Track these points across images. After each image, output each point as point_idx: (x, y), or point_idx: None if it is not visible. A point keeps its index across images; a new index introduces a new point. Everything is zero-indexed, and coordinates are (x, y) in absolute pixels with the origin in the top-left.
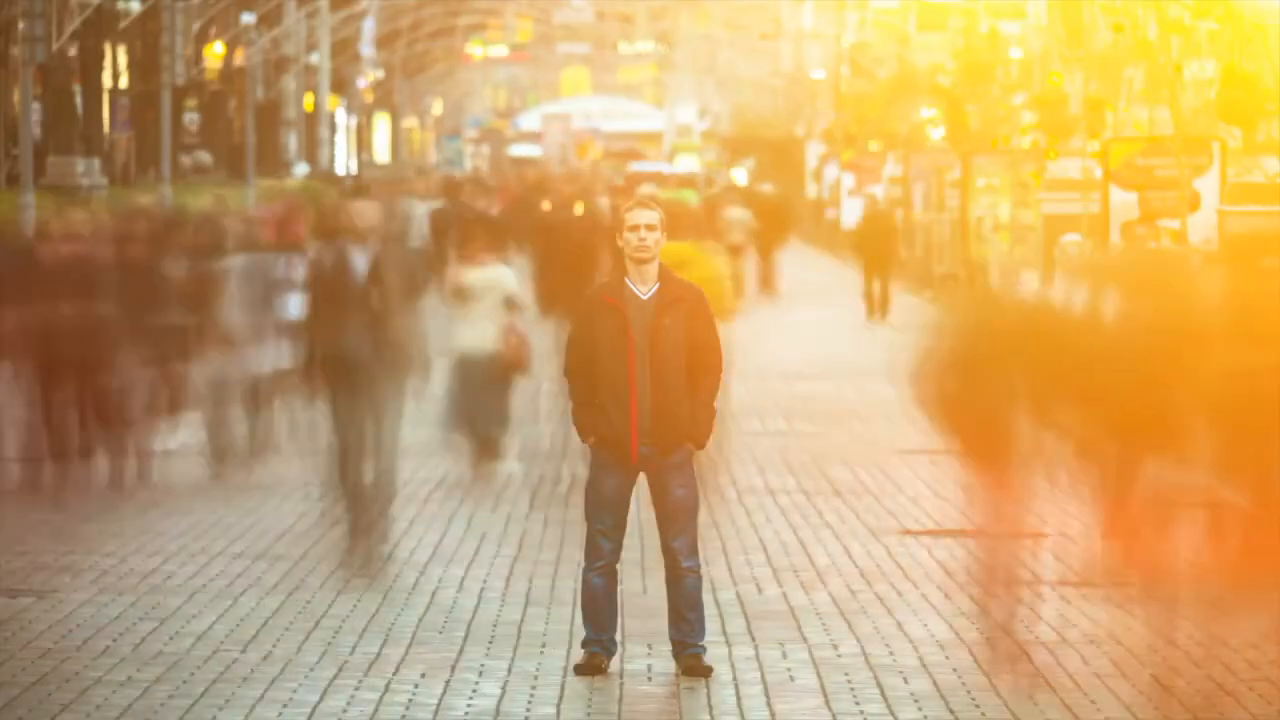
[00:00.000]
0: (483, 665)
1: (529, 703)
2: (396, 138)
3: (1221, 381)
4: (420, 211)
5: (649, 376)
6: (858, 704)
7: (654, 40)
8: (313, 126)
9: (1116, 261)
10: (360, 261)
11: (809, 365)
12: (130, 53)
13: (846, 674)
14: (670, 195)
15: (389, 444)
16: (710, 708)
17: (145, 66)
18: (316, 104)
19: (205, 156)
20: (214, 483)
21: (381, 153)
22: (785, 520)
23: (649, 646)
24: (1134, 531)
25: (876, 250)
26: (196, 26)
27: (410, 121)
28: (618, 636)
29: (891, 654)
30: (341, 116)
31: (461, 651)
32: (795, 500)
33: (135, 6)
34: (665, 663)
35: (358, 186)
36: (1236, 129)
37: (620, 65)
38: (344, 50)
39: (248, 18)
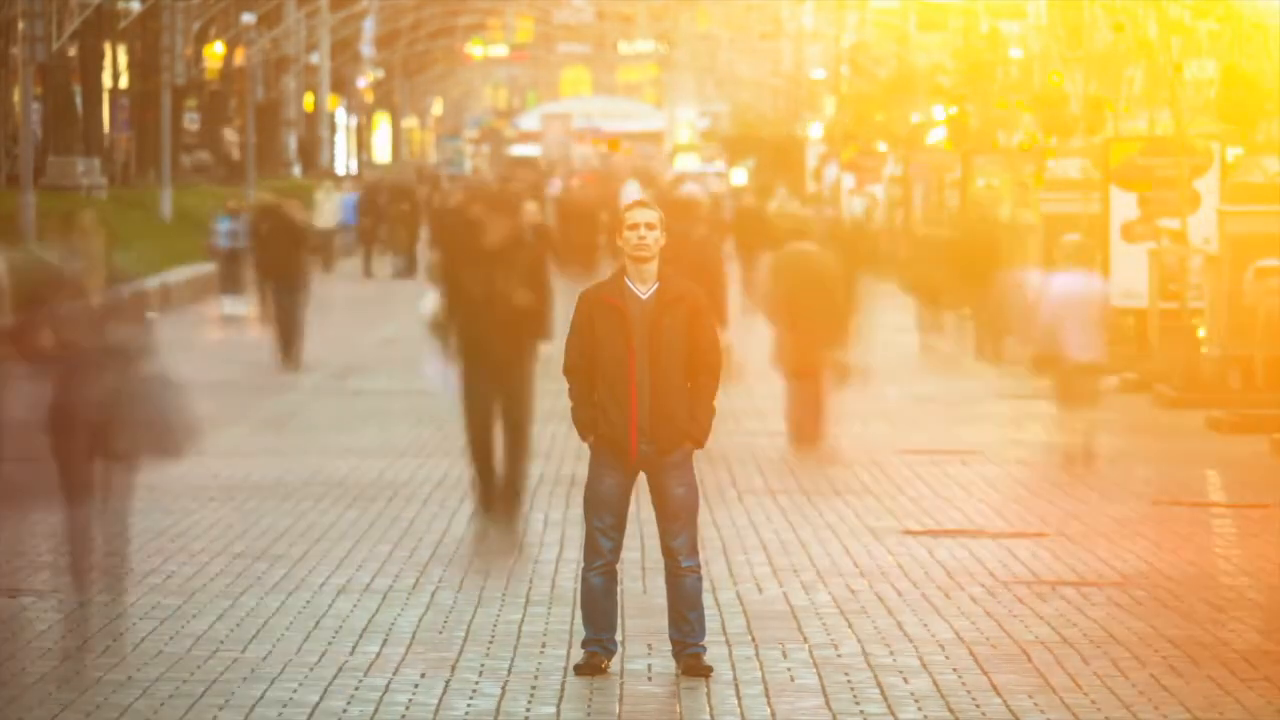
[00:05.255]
0: (483, 665)
1: (529, 703)
2: (396, 138)
3: None
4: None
5: (648, 376)
6: (858, 704)
7: (654, 40)
8: (313, 126)
9: None
10: None
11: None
12: (130, 53)
13: (846, 674)
14: None
15: None
16: (710, 708)
17: (145, 66)
18: (316, 104)
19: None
20: (213, 482)
21: (381, 153)
22: (785, 520)
23: (649, 646)
24: None
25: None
26: (196, 26)
27: (410, 121)
28: (618, 636)
29: (891, 654)
30: (341, 116)
31: (461, 651)
32: (795, 500)
33: (135, 6)
34: (665, 663)
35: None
36: (1236, 130)
37: (620, 65)
38: (344, 50)
39: (248, 18)
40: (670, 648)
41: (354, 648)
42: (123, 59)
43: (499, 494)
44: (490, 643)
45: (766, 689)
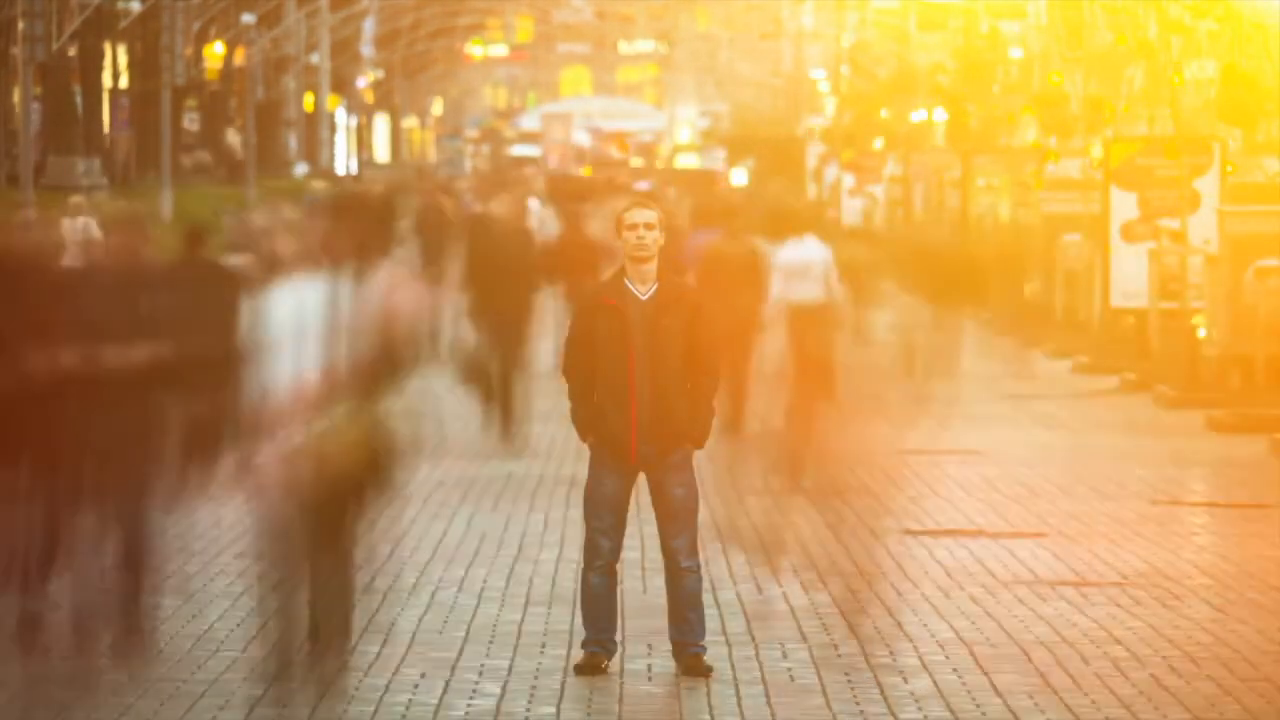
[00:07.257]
0: (483, 665)
1: (529, 703)
2: (396, 138)
3: None
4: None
5: (648, 377)
6: (858, 704)
7: (654, 40)
8: (313, 126)
9: None
10: None
11: None
12: (130, 53)
13: (846, 674)
14: None
15: None
16: (710, 708)
17: (145, 66)
18: (316, 104)
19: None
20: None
21: (381, 153)
22: (785, 520)
23: (649, 646)
24: None
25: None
26: (196, 26)
27: (410, 121)
28: (618, 636)
29: (891, 654)
30: (341, 116)
31: (461, 651)
32: (795, 500)
33: (135, 6)
34: (665, 663)
35: None
36: (1237, 129)
37: (620, 65)
38: (344, 50)
39: (248, 18)
40: (670, 648)
41: (354, 648)
42: (123, 59)
43: None
44: (490, 643)
45: (766, 689)
